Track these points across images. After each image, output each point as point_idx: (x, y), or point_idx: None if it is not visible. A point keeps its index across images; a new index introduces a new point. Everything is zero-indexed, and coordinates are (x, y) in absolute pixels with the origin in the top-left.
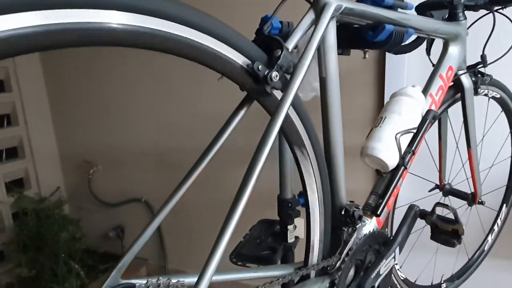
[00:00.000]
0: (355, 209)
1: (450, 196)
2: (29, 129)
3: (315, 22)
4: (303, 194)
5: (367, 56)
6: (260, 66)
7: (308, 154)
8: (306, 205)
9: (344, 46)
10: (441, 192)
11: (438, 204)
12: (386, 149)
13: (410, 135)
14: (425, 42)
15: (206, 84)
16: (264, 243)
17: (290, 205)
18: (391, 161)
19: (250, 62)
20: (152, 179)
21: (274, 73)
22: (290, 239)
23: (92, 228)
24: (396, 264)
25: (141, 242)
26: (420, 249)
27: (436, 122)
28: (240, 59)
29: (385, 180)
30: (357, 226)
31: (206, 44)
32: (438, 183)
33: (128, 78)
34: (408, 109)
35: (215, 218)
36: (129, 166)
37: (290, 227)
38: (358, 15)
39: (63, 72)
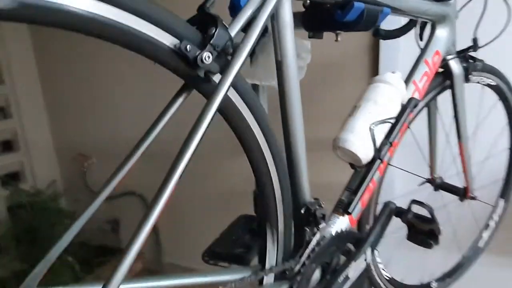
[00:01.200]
0: (317, 207)
1: (442, 191)
2: (24, 122)
3: None
4: (258, 190)
5: (339, 39)
6: (188, 46)
7: (261, 147)
8: (263, 202)
9: (314, 28)
10: (432, 187)
11: (413, 201)
12: (359, 141)
13: (387, 126)
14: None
15: None
16: (241, 240)
17: None
18: (364, 154)
19: (178, 42)
20: (146, 172)
21: (206, 54)
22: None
23: (87, 221)
24: (380, 263)
25: (58, 247)
26: (408, 246)
27: (425, 111)
28: (168, 40)
29: (360, 175)
30: (320, 226)
31: (127, 24)
32: (429, 176)
33: (122, 70)
34: (385, 97)
35: (210, 211)
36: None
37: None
38: None
39: (57, 64)
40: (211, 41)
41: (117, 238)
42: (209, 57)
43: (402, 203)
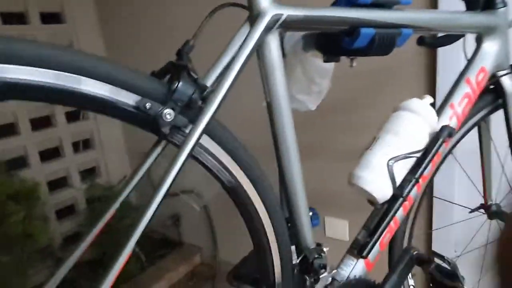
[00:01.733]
0: (316, 256)
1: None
2: (99, 123)
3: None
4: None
5: (354, 64)
6: (147, 104)
7: (250, 199)
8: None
9: (328, 52)
10: (486, 214)
11: (434, 254)
12: (374, 178)
13: (410, 161)
14: None
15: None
16: None
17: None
18: (380, 193)
19: (140, 99)
20: (203, 172)
21: (166, 111)
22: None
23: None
24: None
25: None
26: None
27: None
28: (130, 99)
29: (379, 213)
30: (321, 276)
31: (77, 87)
32: (483, 202)
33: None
34: (408, 128)
35: None
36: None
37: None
38: (314, 22)
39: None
40: (172, 97)
41: (177, 232)
42: (169, 114)
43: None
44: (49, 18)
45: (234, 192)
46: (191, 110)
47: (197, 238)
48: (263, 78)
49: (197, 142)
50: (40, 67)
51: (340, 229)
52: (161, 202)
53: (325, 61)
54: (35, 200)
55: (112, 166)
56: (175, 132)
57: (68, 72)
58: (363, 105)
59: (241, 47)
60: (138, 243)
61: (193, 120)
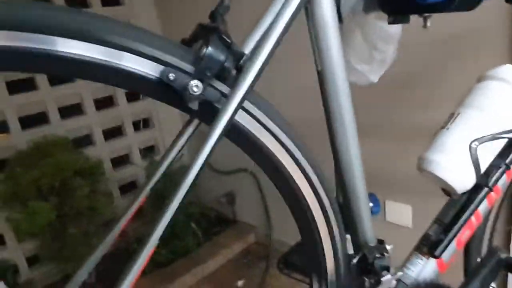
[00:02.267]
0: (377, 256)
1: None
2: (157, 103)
3: None
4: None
5: (428, 24)
6: (171, 75)
7: (300, 189)
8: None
9: (394, 11)
10: None
11: None
12: (450, 164)
13: (499, 143)
14: None
15: None
16: None
17: None
18: (458, 182)
19: (163, 69)
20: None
21: (193, 83)
22: (350, 250)
23: (207, 194)
24: None
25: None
26: None
27: None
28: (153, 69)
29: (456, 205)
30: (383, 279)
31: (96, 57)
32: None
33: None
34: (498, 102)
35: None
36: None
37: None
38: None
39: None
40: (200, 65)
41: (232, 210)
42: (197, 86)
43: None
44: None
45: (274, 171)
46: (224, 81)
47: (251, 217)
48: (313, 42)
49: (231, 120)
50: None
51: (403, 215)
52: (190, 189)
53: (390, 23)
54: (99, 176)
55: (169, 144)
56: (207, 108)
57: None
58: (434, 77)
59: (284, 4)
60: (194, 219)
61: (227, 94)
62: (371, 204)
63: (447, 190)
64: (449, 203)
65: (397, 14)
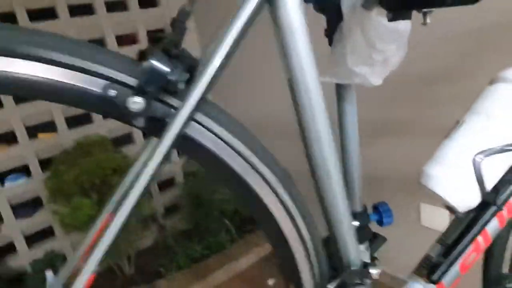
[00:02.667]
0: (357, 282)
1: None
2: None
3: None
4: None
5: (428, 20)
6: (111, 91)
7: (262, 196)
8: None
9: (394, 6)
10: None
11: None
12: (451, 179)
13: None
14: None
15: None
16: None
17: (358, 219)
18: (458, 199)
19: (105, 85)
20: (287, 149)
21: (131, 100)
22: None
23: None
24: None
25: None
26: None
27: None
28: (96, 85)
29: (461, 224)
30: None
31: (36, 75)
32: None
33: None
34: (507, 108)
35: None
36: (267, 135)
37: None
38: None
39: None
40: (140, 81)
41: None
42: (137, 102)
43: None
44: (145, 3)
45: (237, 186)
46: (175, 94)
47: None
48: (279, 46)
49: (180, 134)
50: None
51: (439, 218)
52: (135, 204)
53: (390, 20)
54: None
55: None
56: (157, 122)
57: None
58: (459, 74)
59: (242, 6)
60: (228, 216)
61: (177, 107)
62: (374, 218)
63: (450, 208)
64: (454, 222)
65: (396, 10)
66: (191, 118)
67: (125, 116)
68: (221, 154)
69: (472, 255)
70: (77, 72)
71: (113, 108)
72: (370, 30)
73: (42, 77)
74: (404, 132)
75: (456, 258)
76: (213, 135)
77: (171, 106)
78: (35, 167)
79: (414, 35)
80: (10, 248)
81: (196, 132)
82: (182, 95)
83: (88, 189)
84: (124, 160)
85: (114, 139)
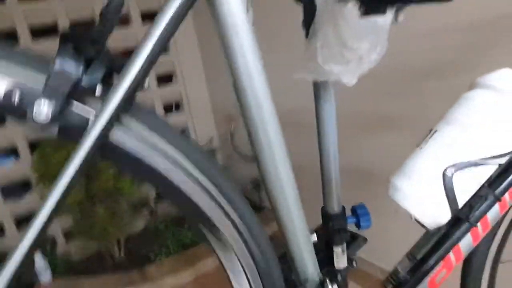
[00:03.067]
0: None
1: None
2: (187, 86)
3: None
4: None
5: (400, 18)
6: (16, 94)
7: (194, 199)
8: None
9: (365, 1)
10: None
11: None
12: (418, 193)
13: (486, 169)
14: None
15: None
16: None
17: (335, 221)
18: (425, 215)
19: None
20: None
21: (37, 104)
22: (338, 265)
23: (233, 179)
24: None
25: None
26: None
27: None
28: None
29: (431, 240)
30: None
31: None
32: None
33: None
34: (486, 118)
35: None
36: None
37: (337, 249)
38: None
39: (215, 39)
40: (47, 82)
41: (258, 196)
42: (40, 110)
43: None
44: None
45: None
46: (90, 99)
47: None
48: (222, 44)
49: (99, 140)
50: None
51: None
52: (49, 218)
53: (362, 15)
54: None
55: (199, 127)
56: (74, 130)
57: None
58: (464, 68)
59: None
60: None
61: (95, 111)
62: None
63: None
64: (424, 236)
65: (368, 4)
66: (111, 123)
67: (33, 124)
68: (147, 158)
69: (442, 272)
70: None
71: (17, 114)
72: (343, 26)
73: None
74: (397, 129)
75: (424, 275)
76: (138, 140)
77: (89, 111)
78: (24, 149)
79: (401, 29)
80: None
81: (119, 137)
82: (103, 98)
83: None
84: None
85: None
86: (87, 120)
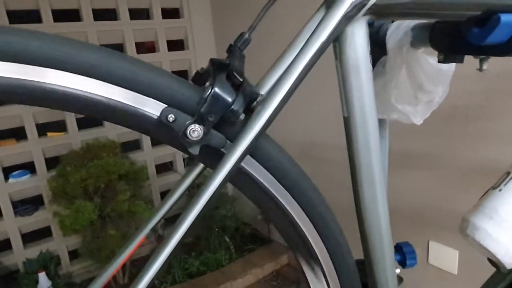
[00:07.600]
0: None
1: None
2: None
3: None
4: None
5: (485, 67)
6: (170, 116)
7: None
8: None
9: (446, 49)
10: None
11: None
12: (502, 235)
13: None
14: None
15: None
16: None
17: None
18: (509, 257)
19: (164, 109)
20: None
21: (191, 128)
22: None
23: (244, 209)
24: None
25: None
26: None
27: None
28: (154, 108)
29: (504, 281)
30: None
31: (101, 95)
32: None
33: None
34: None
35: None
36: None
37: None
38: (420, 7)
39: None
40: (202, 108)
41: (268, 229)
42: (196, 131)
43: None
44: (169, 13)
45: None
46: (232, 125)
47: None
48: (340, 84)
49: (236, 167)
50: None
51: (448, 259)
52: (184, 236)
53: (440, 62)
54: (143, 181)
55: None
56: (211, 152)
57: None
58: (491, 112)
59: (309, 40)
60: (229, 234)
61: (234, 138)
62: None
63: (494, 261)
64: (495, 276)
65: (449, 53)
66: (248, 151)
67: (181, 142)
68: (273, 191)
69: None
70: (134, 93)
71: (169, 134)
72: (418, 70)
73: (97, 95)
74: (416, 166)
75: None
76: (267, 171)
77: (227, 137)
78: (40, 165)
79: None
80: (5, 245)
81: (251, 166)
82: (239, 126)
83: (91, 192)
84: (131, 166)
85: (121, 144)
86: (226, 144)
